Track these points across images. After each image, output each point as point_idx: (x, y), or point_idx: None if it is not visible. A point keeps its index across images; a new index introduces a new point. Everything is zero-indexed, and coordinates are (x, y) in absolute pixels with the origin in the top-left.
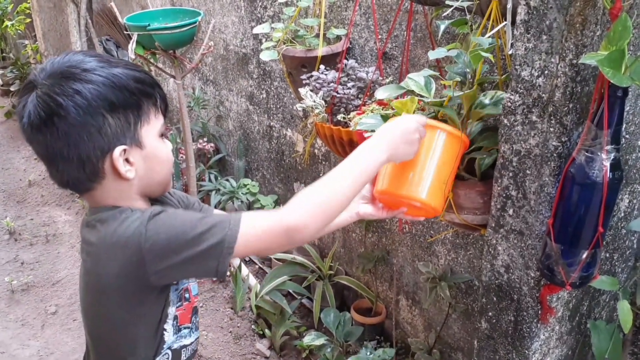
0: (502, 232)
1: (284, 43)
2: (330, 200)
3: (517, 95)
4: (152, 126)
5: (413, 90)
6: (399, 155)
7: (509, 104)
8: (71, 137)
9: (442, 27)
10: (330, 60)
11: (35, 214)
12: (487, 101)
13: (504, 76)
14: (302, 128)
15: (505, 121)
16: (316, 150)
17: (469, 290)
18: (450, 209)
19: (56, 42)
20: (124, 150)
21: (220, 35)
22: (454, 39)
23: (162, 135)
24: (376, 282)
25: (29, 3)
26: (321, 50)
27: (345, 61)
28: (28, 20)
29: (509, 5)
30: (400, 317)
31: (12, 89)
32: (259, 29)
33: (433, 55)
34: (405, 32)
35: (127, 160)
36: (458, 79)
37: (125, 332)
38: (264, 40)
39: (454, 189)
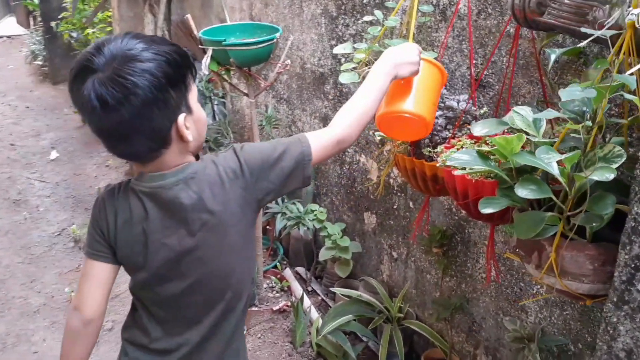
0: (627, 310)
1: (366, 65)
2: (364, 113)
3: None
4: (193, 93)
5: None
6: (403, 73)
7: None
8: (146, 112)
9: (553, 57)
10: None
11: None
12: (600, 156)
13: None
14: (378, 155)
15: None
16: (391, 180)
17: (562, 355)
18: (551, 272)
19: None
20: (184, 117)
21: (298, 52)
22: (562, 69)
23: None
24: (451, 331)
25: (110, 12)
26: None
27: None
28: (109, 28)
29: None
30: None
31: None
32: (340, 49)
33: (566, 95)
34: (504, 58)
35: (185, 125)
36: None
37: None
38: (343, 60)
39: (558, 249)
